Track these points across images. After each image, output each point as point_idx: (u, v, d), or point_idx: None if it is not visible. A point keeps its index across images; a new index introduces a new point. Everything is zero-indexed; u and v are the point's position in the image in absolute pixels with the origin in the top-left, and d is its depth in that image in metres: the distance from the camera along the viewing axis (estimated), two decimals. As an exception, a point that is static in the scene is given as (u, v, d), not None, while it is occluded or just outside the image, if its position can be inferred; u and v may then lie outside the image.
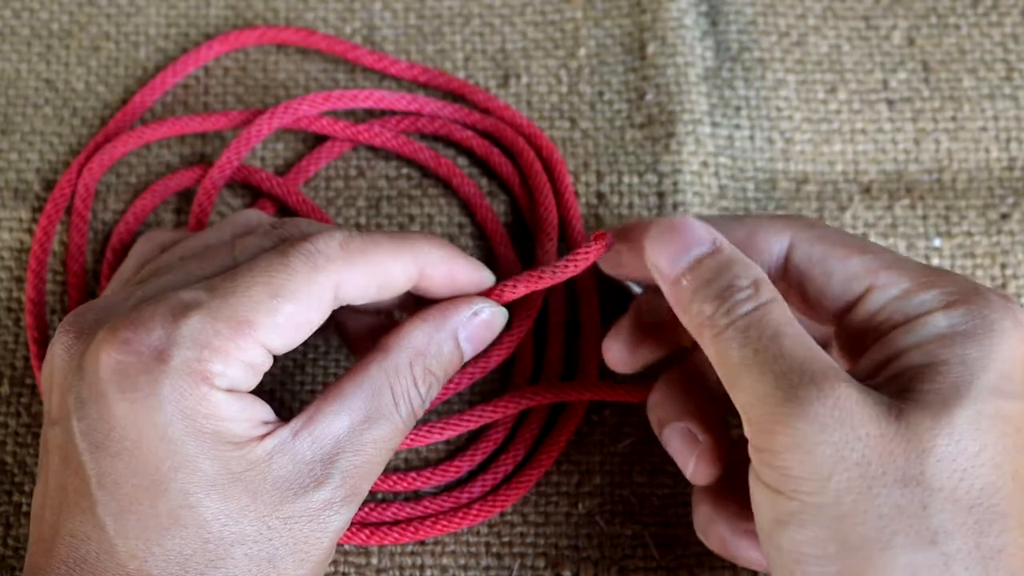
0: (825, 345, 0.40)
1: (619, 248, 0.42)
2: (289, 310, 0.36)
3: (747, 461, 0.37)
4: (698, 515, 0.41)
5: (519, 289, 0.41)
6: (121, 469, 0.35)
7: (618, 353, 0.43)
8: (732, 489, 0.41)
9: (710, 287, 0.37)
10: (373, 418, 0.38)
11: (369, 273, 0.38)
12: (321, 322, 0.38)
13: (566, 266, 0.40)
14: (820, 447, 0.33)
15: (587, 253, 0.40)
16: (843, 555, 0.33)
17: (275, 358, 0.37)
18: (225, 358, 0.35)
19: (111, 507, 0.35)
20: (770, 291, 0.36)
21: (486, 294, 0.41)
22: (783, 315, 0.36)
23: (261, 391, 0.38)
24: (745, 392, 0.35)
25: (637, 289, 0.47)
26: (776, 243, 0.38)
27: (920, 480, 0.33)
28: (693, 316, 0.37)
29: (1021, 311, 0.36)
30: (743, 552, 0.40)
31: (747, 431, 0.36)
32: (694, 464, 0.40)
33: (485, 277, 0.41)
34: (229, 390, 0.36)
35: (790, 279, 0.38)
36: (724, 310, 0.36)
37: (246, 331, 0.36)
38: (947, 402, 0.34)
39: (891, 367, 0.35)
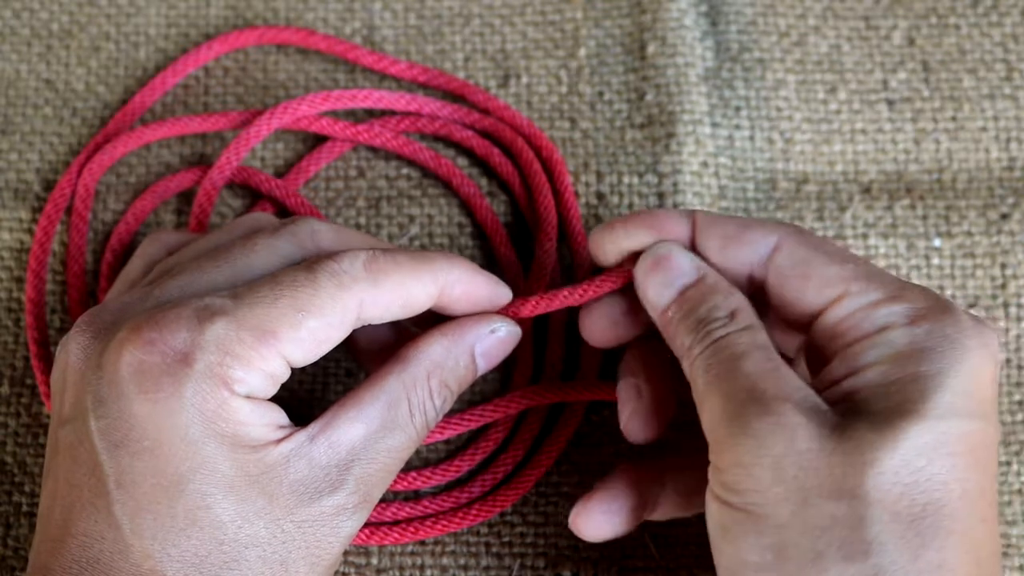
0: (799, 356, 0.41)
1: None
2: (313, 325, 0.37)
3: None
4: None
5: (538, 307, 0.41)
6: (140, 468, 0.35)
7: (599, 333, 0.42)
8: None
9: (690, 317, 0.38)
10: (389, 427, 0.38)
11: (392, 294, 0.38)
12: (341, 339, 0.38)
13: (584, 291, 0.41)
14: (761, 461, 0.34)
15: (611, 281, 0.41)
16: (779, 564, 0.34)
17: (292, 370, 0.38)
18: (247, 365, 0.36)
19: (128, 506, 0.36)
20: (746, 319, 0.37)
21: (503, 311, 0.42)
22: (752, 340, 0.37)
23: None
24: (706, 414, 0.37)
25: None
26: (764, 242, 0.39)
27: (857, 492, 0.34)
28: (677, 348, 0.39)
29: (993, 334, 0.36)
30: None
31: (709, 452, 0.37)
32: (628, 416, 0.41)
33: (503, 293, 0.42)
34: (248, 396, 0.36)
35: (771, 279, 0.39)
36: (699, 338, 0.37)
37: (269, 341, 0.36)
38: (893, 418, 0.34)
39: (845, 384, 0.36)
